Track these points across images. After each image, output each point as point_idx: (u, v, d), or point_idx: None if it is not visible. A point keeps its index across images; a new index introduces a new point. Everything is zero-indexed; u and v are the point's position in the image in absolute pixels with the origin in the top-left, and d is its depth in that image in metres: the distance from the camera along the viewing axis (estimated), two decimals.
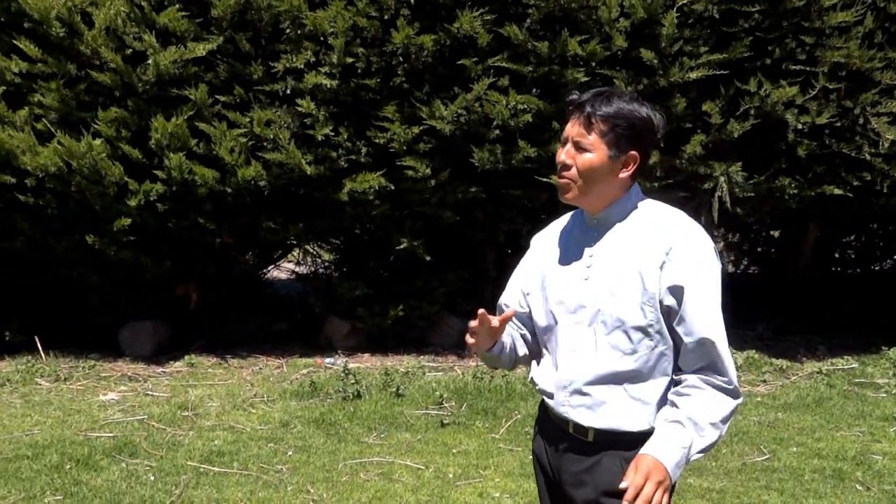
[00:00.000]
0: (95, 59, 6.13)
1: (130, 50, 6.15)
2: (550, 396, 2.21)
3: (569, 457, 2.19)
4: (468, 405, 5.61)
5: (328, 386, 6.01)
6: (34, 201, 6.30)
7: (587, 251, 2.19)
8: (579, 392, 2.14)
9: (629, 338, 2.08)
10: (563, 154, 2.13)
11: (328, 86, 6.19)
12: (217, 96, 6.29)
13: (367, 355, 7.07)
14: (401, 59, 6.20)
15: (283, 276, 9.79)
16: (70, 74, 6.17)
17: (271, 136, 6.22)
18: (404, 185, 6.49)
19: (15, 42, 6.06)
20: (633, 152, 2.11)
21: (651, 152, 2.22)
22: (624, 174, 2.12)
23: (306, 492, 4.27)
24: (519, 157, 6.26)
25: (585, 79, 6.14)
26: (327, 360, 6.80)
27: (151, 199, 6.32)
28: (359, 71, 6.23)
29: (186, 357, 6.85)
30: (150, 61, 6.07)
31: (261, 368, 6.76)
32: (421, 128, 6.25)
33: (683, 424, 1.99)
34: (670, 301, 2.05)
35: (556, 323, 2.20)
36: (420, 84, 6.31)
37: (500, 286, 2.40)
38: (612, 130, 2.08)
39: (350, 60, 6.16)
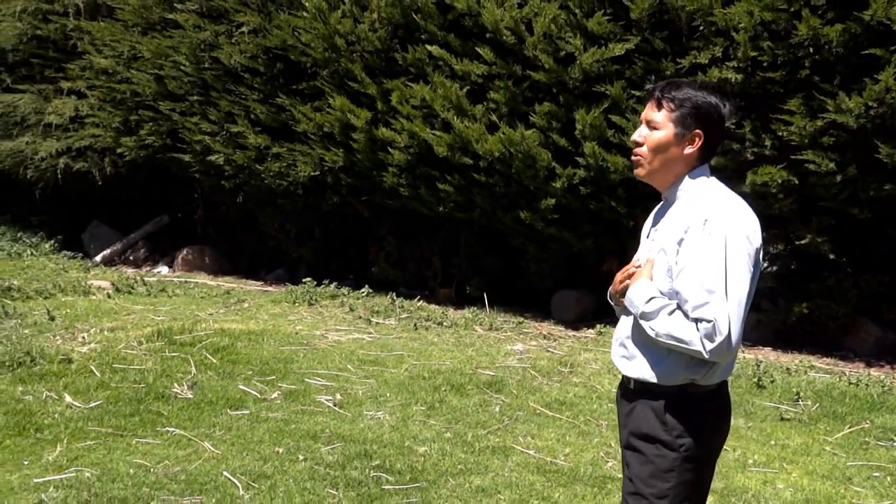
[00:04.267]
0: (537, 61, 7.19)
1: (563, 52, 7.07)
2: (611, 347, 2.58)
3: (622, 402, 2.54)
4: (822, 406, 5.42)
5: None
6: (486, 180, 7.64)
7: (656, 224, 2.50)
8: (623, 345, 2.48)
9: None
10: (636, 134, 2.47)
11: (735, 80, 6.37)
12: (633, 91, 6.89)
13: (768, 349, 7.04)
14: (810, 50, 6.09)
15: None
16: (516, 75, 7.34)
17: None
18: (811, 180, 6.36)
19: (477, 49, 7.43)
20: (697, 130, 2.38)
21: (718, 137, 2.42)
22: (689, 150, 2.40)
23: (607, 445, 4.78)
24: None
25: None
26: None
27: (574, 182, 7.20)
28: (764, 64, 6.28)
29: (598, 326, 7.62)
30: (577, 61, 6.93)
31: None
32: (825, 121, 6.06)
33: (658, 299, 2.32)
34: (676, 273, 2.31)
35: None
36: (830, 76, 6.11)
37: None
38: (678, 110, 2.38)
39: (753, 54, 6.25)
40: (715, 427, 2.44)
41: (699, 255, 2.25)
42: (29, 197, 11.41)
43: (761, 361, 6.30)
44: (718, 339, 2.20)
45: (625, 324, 2.51)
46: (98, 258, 10.92)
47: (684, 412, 2.35)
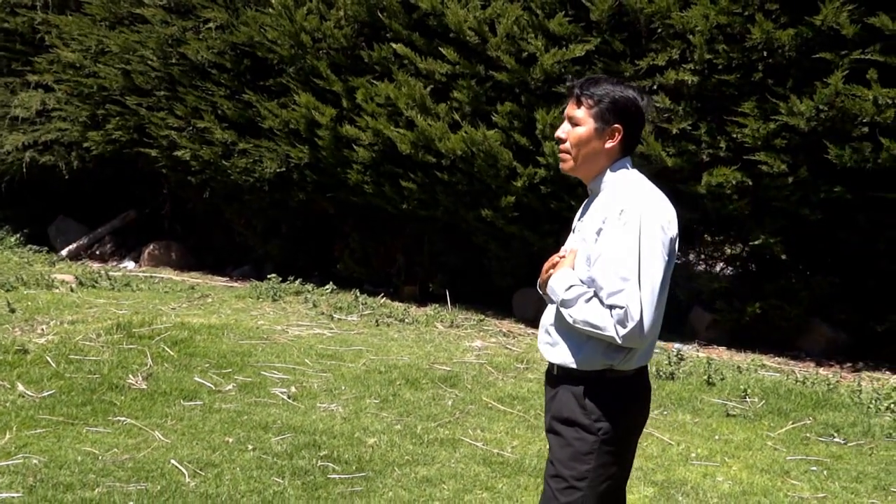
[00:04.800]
0: (499, 61, 7.27)
1: (525, 53, 7.16)
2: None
3: (547, 388, 2.61)
4: (768, 403, 5.53)
5: (655, 366, 6.35)
6: (448, 178, 7.70)
7: (582, 216, 2.58)
8: (547, 332, 2.55)
9: None
10: (559, 130, 2.55)
11: (691, 81, 6.48)
12: None
13: (722, 348, 7.16)
14: (763, 53, 6.21)
15: None
16: (479, 74, 7.41)
17: None
18: (764, 182, 6.48)
19: (441, 49, 7.49)
20: (616, 125, 2.45)
21: (638, 130, 2.50)
22: (610, 144, 2.47)
23: None
24: (884, 156, 5.84)
25: None
26: (675, 345, 7.07)
27: (535, 181, 7.29)
28: (719, 67, 6.39)
29: None
30: (538, 62, 7.02)
31: None
32: (777, 123, 6.19)
33: (577, 287, 2.40)
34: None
35: None
36: (783, 79, 6.24)
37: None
38: (597, 106, 2.46)
39: (709, 57, 6.36)
40: (633, 411, 2.51)
41: (614, 244, 2.32)
42: None
43: (713, 360, 6.40)
44: (630, 324, 2.27)
45: (550, 312, 2.58)
46: (64, 252, 10.88)
47: (603, 397, 2.42)
